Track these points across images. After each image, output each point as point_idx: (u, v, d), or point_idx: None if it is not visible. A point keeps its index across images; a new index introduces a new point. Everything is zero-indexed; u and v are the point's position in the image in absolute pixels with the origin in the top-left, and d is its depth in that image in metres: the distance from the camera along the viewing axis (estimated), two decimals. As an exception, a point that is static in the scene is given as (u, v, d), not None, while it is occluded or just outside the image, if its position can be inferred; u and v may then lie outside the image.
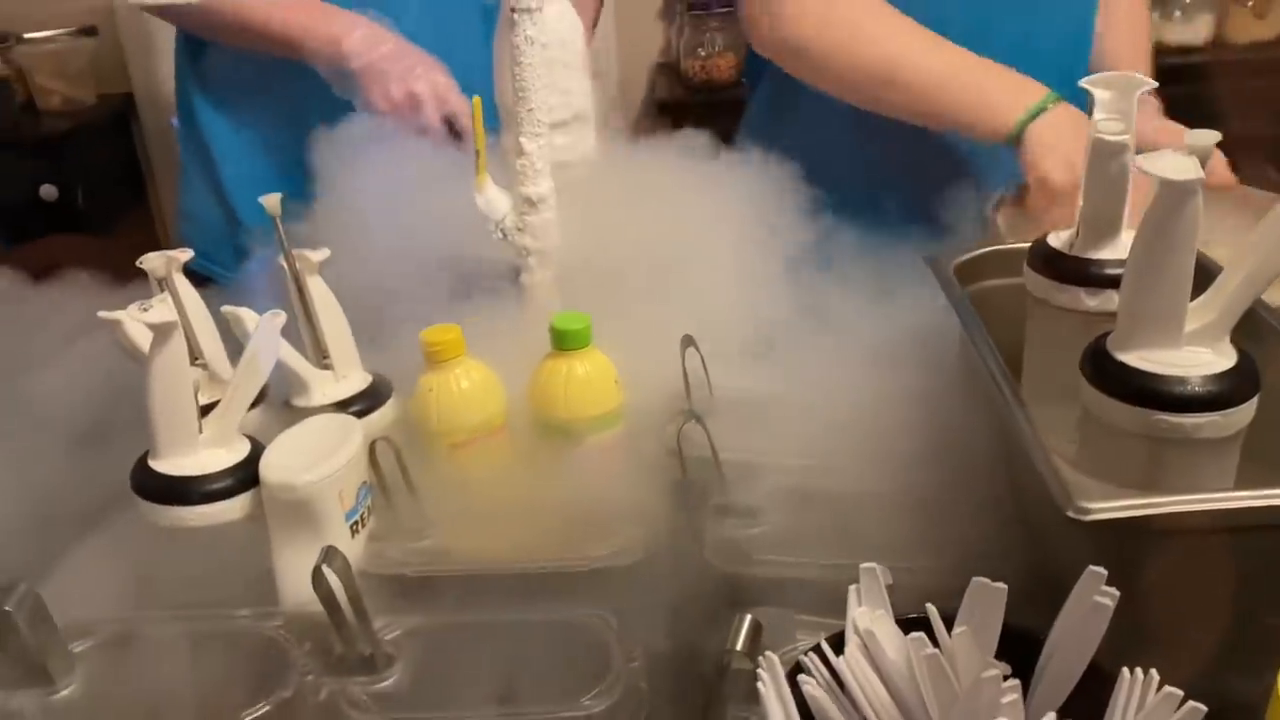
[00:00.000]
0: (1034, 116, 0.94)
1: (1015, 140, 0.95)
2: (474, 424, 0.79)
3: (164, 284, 0.75)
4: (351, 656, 0.61)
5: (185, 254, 0.75)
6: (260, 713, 0.59)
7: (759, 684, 0.45)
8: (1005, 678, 0.42)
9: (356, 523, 0.69)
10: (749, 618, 0.55)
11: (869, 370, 0.81)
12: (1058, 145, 0.93)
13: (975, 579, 0.46)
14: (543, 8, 0.85)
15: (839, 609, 0.58)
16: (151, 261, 0.74)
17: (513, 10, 0.84)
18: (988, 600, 0.46)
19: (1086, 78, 0.68)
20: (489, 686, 0.61)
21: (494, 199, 0.89)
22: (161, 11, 1.32)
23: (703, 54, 2.40)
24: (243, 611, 0.66)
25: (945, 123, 1.00)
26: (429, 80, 1.13)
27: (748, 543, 0.69)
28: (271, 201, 0.75)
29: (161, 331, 0.64)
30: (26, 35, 2.41)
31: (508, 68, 0.87)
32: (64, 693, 0.61)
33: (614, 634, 0.63)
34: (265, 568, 0.69)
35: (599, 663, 0.61)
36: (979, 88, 0.97)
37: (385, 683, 0.61)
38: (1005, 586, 0.46)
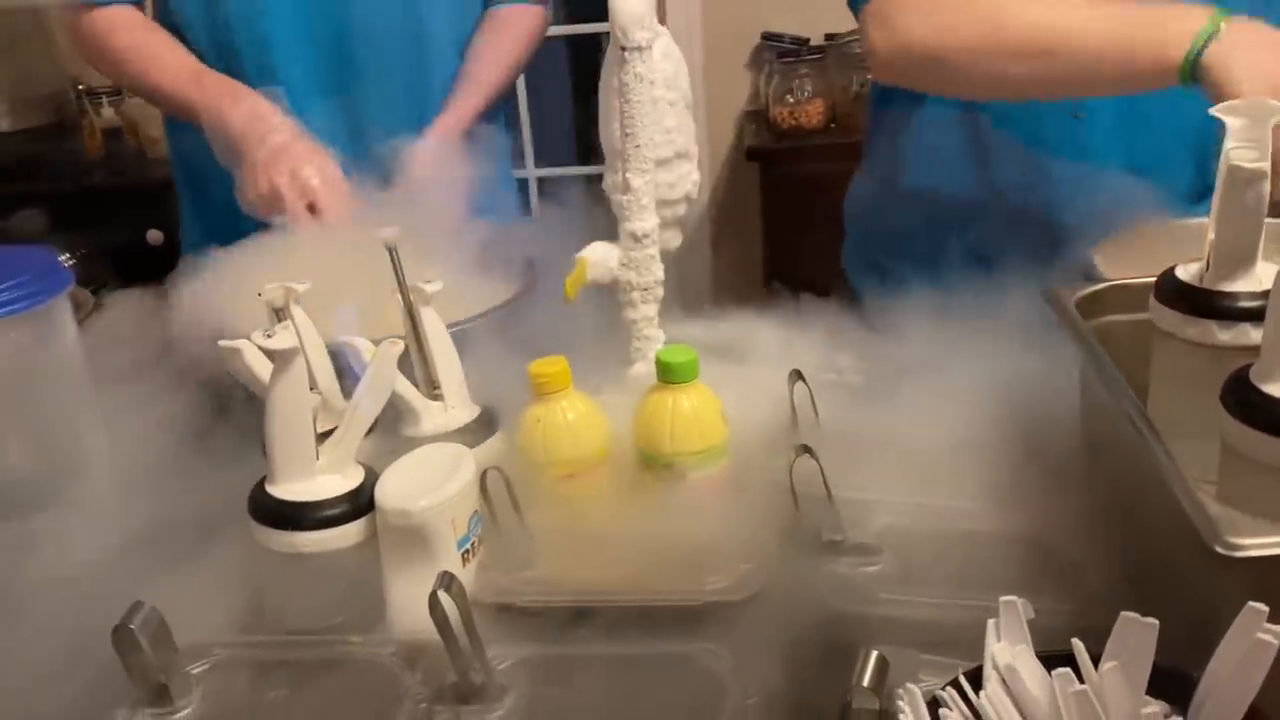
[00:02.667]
0: (1204, 45, 0.83)
1: (1190, 77, 0.85)
2: (579, 456, 0.79)
3: (281, 314, 0.76)
4: (464, 685, 0.61)
5: (303, 285, 0.77)
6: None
7: (900, 715, 0.44)
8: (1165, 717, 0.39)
9: (467, 551, 0.69)
10: (875, 653, 0.53)
11: (983, 406, 0.79)
12: (1240, 65, 0.81)
13: (1124, 613, 0.44)
14: (651, 46, 0.86)
15: (961, 649, 0.56)
16: (271, 292, 0.76)
17: (622, 49, 0.85)
18: (1137, 636, 0.44)
19: (1217, 105, 0.66)
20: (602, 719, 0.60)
21: (604, 258, 0.89)
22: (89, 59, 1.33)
23: (791, 100, 2.40)
24: (355, 638, 0.67)
25: (1110, 79, 0.91)
26: (297, 173, 1.08)
27: (864, 580, 0.68)
28: (389, 234, 0.77)
29: (284, 358, 0.65)
30: (138, 89, 2.52)
31: (615, 104, 0.88)
32: (182, 713, 0.62)
33: (729, 669, 0.62)
34: (375, 595, 0.69)
35: (714, 699, 0.60)
36: (1139, 29, 0.88)
37: (498, 712, 0.60)
38: (1156, 622, 0.44)
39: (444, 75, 1.33)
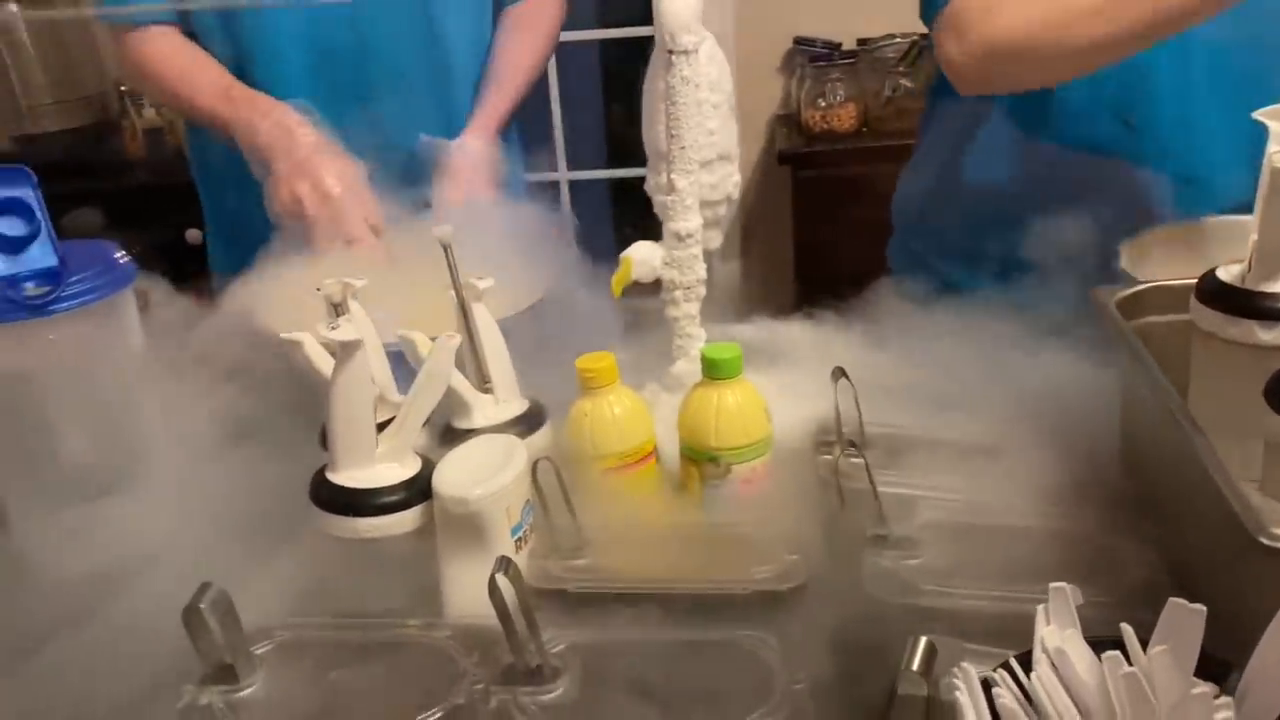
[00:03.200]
0: None
1: None
2: (626, 449, 0.81)
3: (339, 309, 0.79)
4: (520, 667, 0.63)
5: (360, 280, 0.79)
6: (434, 718, 0.61)
7: (956, 693, 0.45)
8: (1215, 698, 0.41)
9: (520, 539, 0.71)
10: (924, 639, 0.55)
11: (1024, 402, 0.81)
12: None
13: (1172, 599, 0.45)
14: (698, 50, 0.88)
15: (1006, 640, 0.58)
16: (329, 287, 0.78)
17: (670, 52, 0.87)
18: (1185, 621, 0.45)
19: (1261, 109, 0.68)
20: (654, 702, 0.62)
21: (648, 257, 0.91)
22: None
23: (823, 104, 2.42)
24: (412, 621, 0.69)
25: (1170, 17, 0.91)
26: (319, 183, 1.09)
27: (908, 573, 0.69)
28: (443, 231, 0.79)
29: (347, 350, 0.68)
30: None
31: (660, 107, 0.90)
32: (247, 691, 0.64)
33: (776, 656, 0.63)
34: (431, 581, 0.71)
35: (762, 684, 0.61)
36: None
37: (553, 694, 0.62)
38: (1203, 608, 0.45)
39: (465, 77, 1.35)
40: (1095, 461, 0.79)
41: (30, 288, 0.75)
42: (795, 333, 1.02)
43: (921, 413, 0.87)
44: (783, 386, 0.88)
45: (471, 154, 1.24)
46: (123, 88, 2.59)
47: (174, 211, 2.45)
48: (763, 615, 0.67)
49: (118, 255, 0.83)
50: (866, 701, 0.61)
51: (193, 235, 2.44)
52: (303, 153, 1.11)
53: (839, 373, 0.82)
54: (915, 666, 0.53)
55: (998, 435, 0.84)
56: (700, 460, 0.80)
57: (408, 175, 1.18)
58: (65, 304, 0.75)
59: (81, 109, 2.50)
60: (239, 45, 1.27)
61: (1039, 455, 0.80)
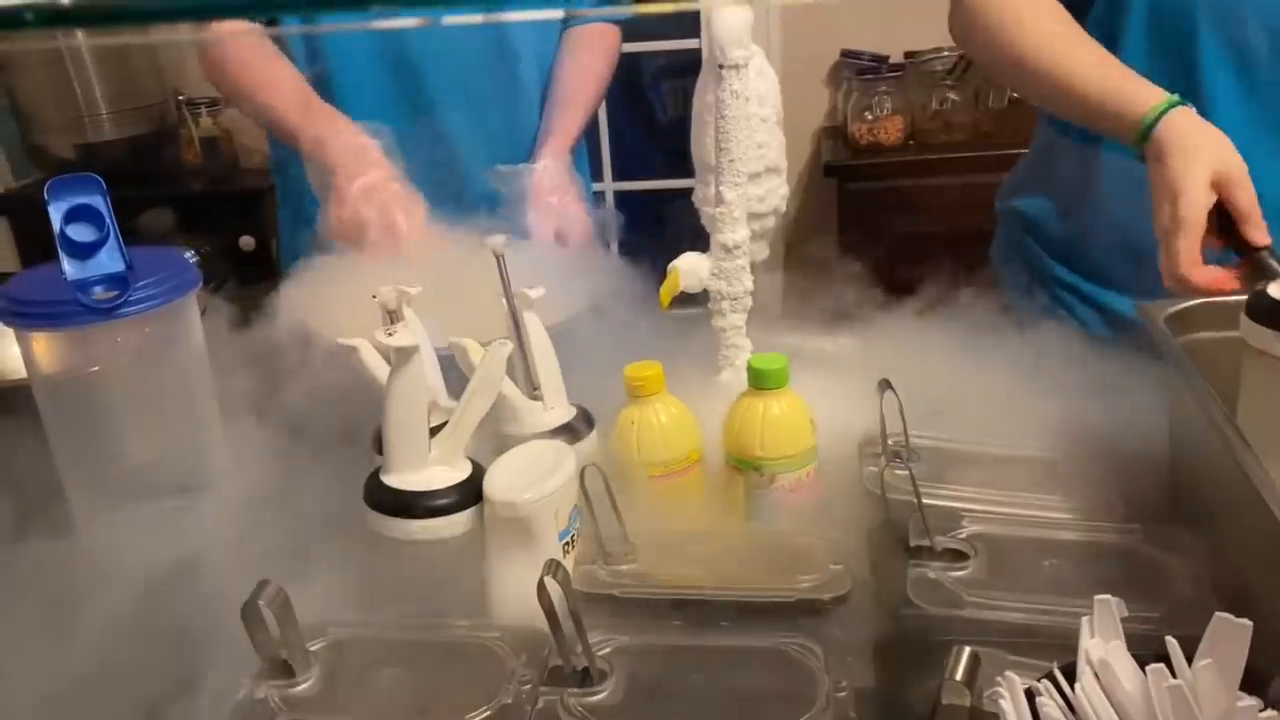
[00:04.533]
0: (1162, 114, 0.92)
1: (1143, 139, 0.93)
2: (672, 457, 0.82)
3: (394, 316, 0.81)
4: (567, 669, 0.64)
5: (416, 288, 0.81)
6: (482, 717, 0.62)
7: (1000, 701, 0.46)
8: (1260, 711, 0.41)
9: (568, 543, 0.72)
10: (968, 649, 0.55)
11: (1072, 417, 0.81)
12: (1186, 141, 0.90)
13: (1218, 614, 0.46)
14: (748, 64, 0.89)
15: (1049, 653, 0.58)
16: (384, 295, 0.80)
17: (720, 66, 0.88)
18: (1231, 636, 0.46)
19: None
20: (700, 706, 0.63)
21: (695, 267, 0.93)
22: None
23: (870, 117, 2.42)
24: (461, 622, 0.70)
25: (1078, 116, 1.03)
26: (386, 212, 1.09)
27: (952, 584, 0.69)
28: (495, 241, 0.81)
29: (403, 355, 0.69)
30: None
31: (709, 120, 0.91)
32: (302, 686, 0.66)
33: (819, 664, 0.64)
34: (479, 583, 0.73)
35: (807, 690, 0.62)
36: (1111, 85, 0.97)
37: (599, 695, 0.63)
38: (1250, 623, 0.45)
39: (532, 95, 1.38)
40: (1143, 476, 0.79)
41: (99, 292, 0.78)
42: (840, 344, 1.03)
43: (968, 425, 0.87)
44: (829, 397, 0.89)
45: (555, 176, 1.26)
46: (181, 97, 2.65)
47: (230, 219, 2.51)
48: (807, 623, 0.68)
49: (187, 259, 0.86)
50: (910, 711, 0.61)
51: (245, 242, 2.49)
52: (372, 178, 1.12)
53: (884, 384, 0.83)
54: (959, 676, 0.54)
55: (1045, 448, 0.85)
56: (746, 469, 0.81)
57: (476, 200, 1.20)
58: (132, 308, 0.78)
59: (140, 118, 2.56)
60: (315, 54, 1.30)
61: (1086, 469, 0.80)
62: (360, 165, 1.13)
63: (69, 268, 0.78)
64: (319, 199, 1.16)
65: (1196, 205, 0.87)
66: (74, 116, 2.49)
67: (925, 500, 0.76)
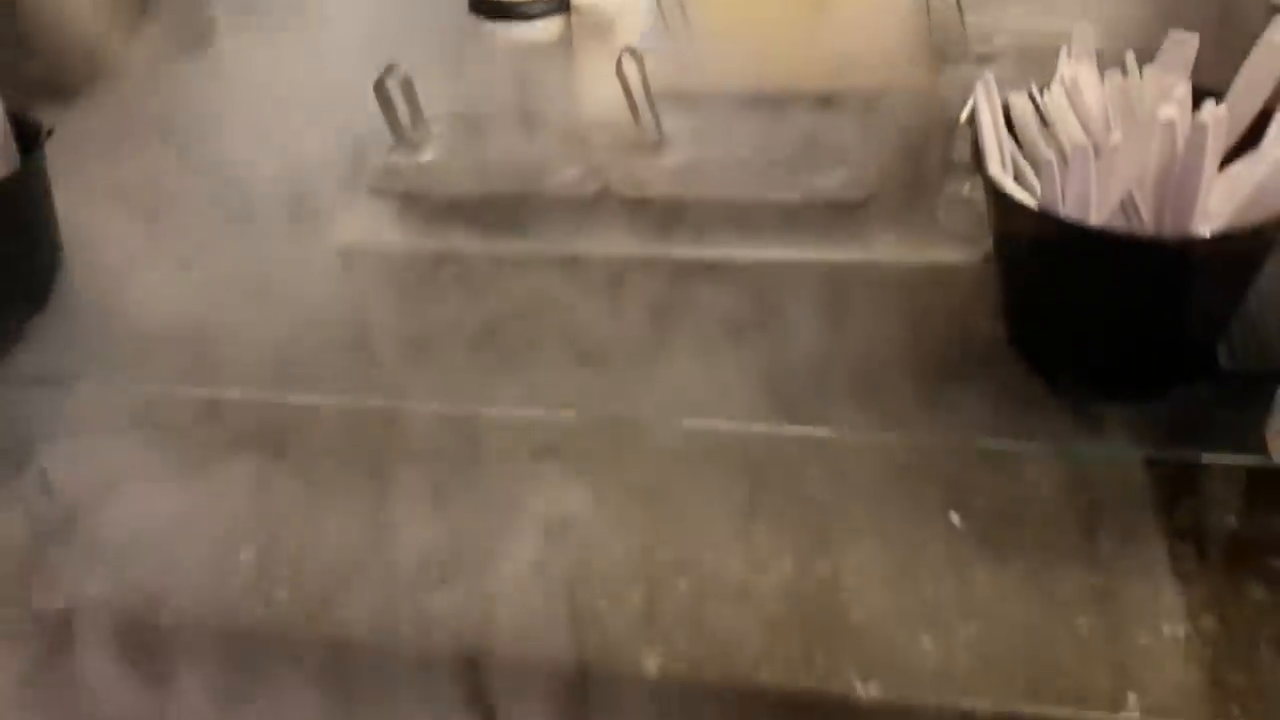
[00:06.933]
0: None
1: None
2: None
3: None
4: (640, 142, 0.77)
5: None
6: (571, 177, 0.77)
7: (974, 97, 0.57)
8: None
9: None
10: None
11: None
12: None
13: (1171, 30, 0.55)
14: None
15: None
16: None
17: None
18: (1179, 50, 0.55)
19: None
20: (753, 165, 0.75)
21: None
22: None
23: None
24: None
25: None
26: None
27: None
28: None
29: None
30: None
31: None
32: (426, 157, 0.81)
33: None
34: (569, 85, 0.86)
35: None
36: None
37: (670, 160, 0.76)
38: (1196, 36, 0.55)
39: None
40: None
41: None
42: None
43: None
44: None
45: None
46: None
47: None
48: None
49: None
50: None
51: None
52: None
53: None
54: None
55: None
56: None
57: None
58: None
59: None
60: None
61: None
62: None
63: None
64: None
65: None
66: None
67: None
